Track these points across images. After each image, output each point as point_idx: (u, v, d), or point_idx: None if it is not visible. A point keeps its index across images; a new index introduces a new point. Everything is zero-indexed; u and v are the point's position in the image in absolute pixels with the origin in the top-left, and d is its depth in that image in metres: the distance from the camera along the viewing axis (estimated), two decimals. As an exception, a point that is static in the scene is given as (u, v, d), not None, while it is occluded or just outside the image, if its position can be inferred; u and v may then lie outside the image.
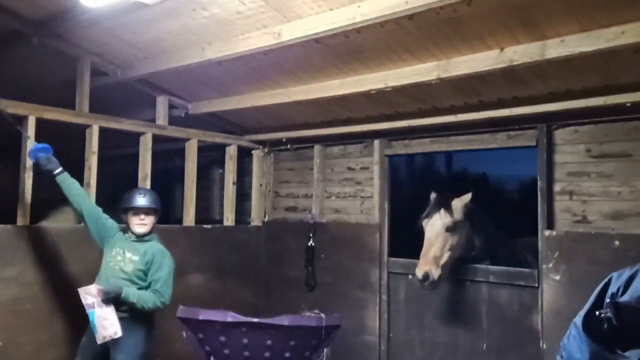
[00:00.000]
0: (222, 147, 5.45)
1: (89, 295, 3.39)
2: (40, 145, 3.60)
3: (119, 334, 3.35)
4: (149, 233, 3.71)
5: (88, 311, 3.39)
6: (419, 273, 3.79)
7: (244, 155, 5.65)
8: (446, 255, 3.88)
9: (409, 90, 3.79)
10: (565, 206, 3.80)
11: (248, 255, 5.37)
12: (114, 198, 5.53)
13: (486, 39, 3.11)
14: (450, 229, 3.89)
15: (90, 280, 4.13)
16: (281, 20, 3.29)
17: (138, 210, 3.64)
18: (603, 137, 3.66)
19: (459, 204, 3.98)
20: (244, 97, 4.63)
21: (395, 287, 4.65)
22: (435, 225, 3.91)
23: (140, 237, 3.67)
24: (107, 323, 3.36)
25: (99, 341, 3.37)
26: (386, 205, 4.78)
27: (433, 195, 4.11)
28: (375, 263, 4.70)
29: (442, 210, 3.94)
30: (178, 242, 4.74)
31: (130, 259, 3.58)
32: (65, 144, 5.56)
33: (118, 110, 4.70)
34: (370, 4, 2.90)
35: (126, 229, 3.72)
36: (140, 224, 3.64)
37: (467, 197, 4.01)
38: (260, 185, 5.65)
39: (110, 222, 3.74)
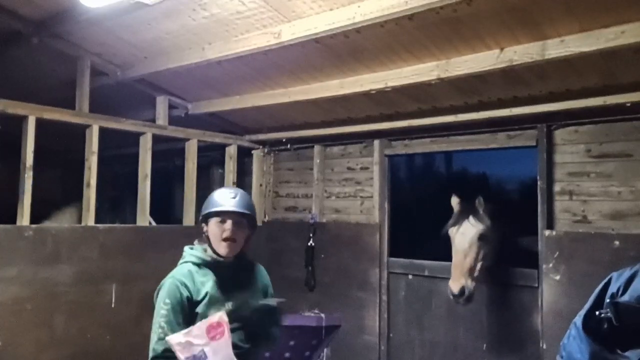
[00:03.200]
0: (222, 147, 5.44)
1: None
2: None
3: None
4: (242, 255, 2.60)
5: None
6: (455, 288, 3.58)
7: (244, 155, 5.65)
8: (479, 266, 3.68)
9: (409, 90, 3.79)
10: (565, 206, 3.80)
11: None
12: (115, 199, 5.55)
13: (486, 39, 3.11)
14: (483, 237, 3.70)
15: (90, 280, 4.14)
16: (281, 20, 3.29)
17: (224, 217, 2.49)
18: (603, 137, 3.66)
19: (481, 208, 3.77)
20: (244, 97, 4.63)
21: (395, 287, 4.65)
22: (466, 234, 3.70)
23: (238, 260, 2.58)
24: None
25: None
26: (386, 205, 4.78)
27: (456, 200, 3.90)
28: (375, 263, 4.70)
29: (471, 217, 3.73)
30: (178, 242, 4.71)
31: (249, 295, 2.59)
32: (65, 144, 5.60)
33: (118, 110, 4.70)
34: (370, 4, 2.90)
35: (205, 263, 2.50)
36: (228, 239, 2.45)
37: (480, 200, 3.79)
38: (260, 185, 5.65)
39: (184, 293, 2.40)
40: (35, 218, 4.04)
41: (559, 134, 3.86)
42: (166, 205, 6.65)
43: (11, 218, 3.93)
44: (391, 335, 4.64)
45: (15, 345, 3.73)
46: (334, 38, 3.30)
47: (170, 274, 2.46)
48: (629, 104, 3.33)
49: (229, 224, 2.47)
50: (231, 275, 2.53)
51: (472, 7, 2.76)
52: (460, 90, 3.73)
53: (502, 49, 3.15)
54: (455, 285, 3.61)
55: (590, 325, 1.83)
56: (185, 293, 2.38)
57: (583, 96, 3.45)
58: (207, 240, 2.53)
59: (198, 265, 2.50)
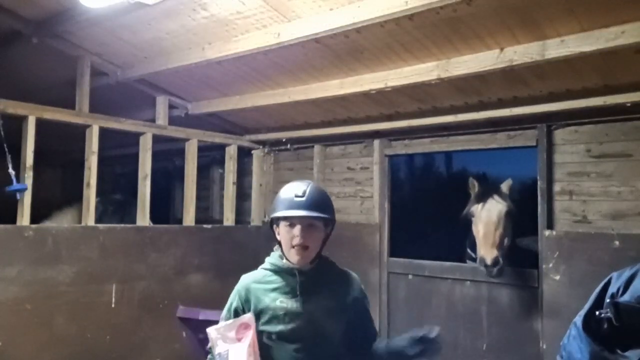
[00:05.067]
0: (222, 147, 5.45)
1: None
2: (18, 185, 3.80)
3: None
4: (318, 259, 2.24)
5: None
6: (489, 257, 3.63)
7: (244, 155, 5.65)
8: (506, 242, 3.75)
9: (409, 90, 3.79)
10: (565, 206, 3.80)
11: (248, 255, 5.35)
12: (120, 202, 5.53)
13: (486, 39, 3.11)
14: (509, 214, 3.78)
15: (90, 280, 4.14)
16: (281, 20, 3.29)
17: (292, 220, 2.15)
18: (603, 137, 3.66)
19: (506, 189, 3.90)
20: (244, 97, 4.63)
21: (395, 287, 4.65)
22: (493, 210, 3.80)
23: (319, 267, 2.23)
24: None
25: None
26: (386, 205, 4.78)
27: (474, 182, 4.01)
28: (375, 263, 4.70)
29: (495, 196, 3.83)
30: (178, 242, 4.75)
31: (326, 307, 2.16)
32: (65, 144, 5.60)
33: (118, 110, 4.70)
34: (370, 4, 2.90)
35: (278, 270, 2.23)
36: (298, 246, 2.12)
37: (509, 182, 3.93)
38: (260, 185, 5.65)
39: (235, 303, 2.22)
40: (35, 218, 4.05)
41: (559, 134, 3.86)
42: (166, 205, 6.66)
43: (11, 218, 3.93)
44: (391, 335, 4.64)
45: (15, 345, 3.74)
46: (334, 38, 3.30)
47: (243, 276, 2.29)
48: (629, 104, 3.33)
49: (297, 229, 2.12)
50: (308, 285, 2.16)
51: (472, 7, 2.76)
52: (460, 90, 3.73)
53: (502, 49, 3.15)
54: (488, 255, 3.65)
55: (590, 325, 1.83)
56: (237, 303, 2.19)
57: (583, 96, 3.45)
58: (279, 246, 2.23)
59: (272, 271, 2.23)
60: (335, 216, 2.28)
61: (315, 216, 2.14)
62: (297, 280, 2.16)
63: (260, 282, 2.20)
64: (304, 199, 2.15)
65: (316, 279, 2.19)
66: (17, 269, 3.78)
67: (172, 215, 6.57)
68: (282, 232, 2.18)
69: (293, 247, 2.14)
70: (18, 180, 3.88)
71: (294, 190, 2.18)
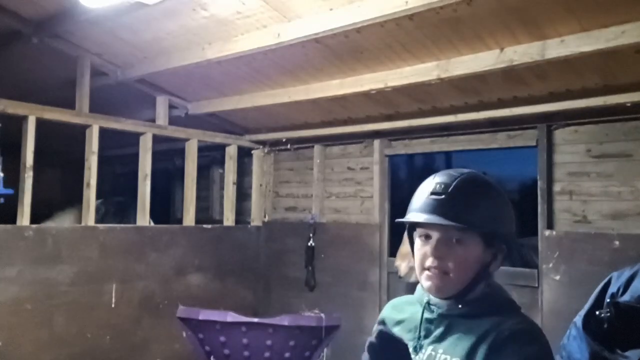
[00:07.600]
0: (222, 147, 5.45)
1: None
2: (3, 190, 3.76)
3: None
4: (469, 293, 1.49)
5: None
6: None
7: (244, 155, 5.65)
8: None
9: (409, 90, 3.79)
10: (565, 206, 3.80)
11: (248, 255, 5.37)
12: (121, 204, 5.54)
13: (486, 39, 3.11)
14: None
15: (90, 280, 4.14)
16: (281, 20, 3.29)
17: (426, 228, 1.49)
18: (603, 137, 3.66)
19: None
20: (244, 97, 4.63)
21: (395, 287, 4.64)
22: None
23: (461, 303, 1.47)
24: None
25: None
26: (386, 205, 4.78)
27: None
28: (375, 263, 4.70)
29: None
30: (178, 242, 4.75)
31: None
32: (65, 144, 5.60)
33: (118, 110, 4.70)
34: (370, 4, 2.90)
35: (418, 297, 1.61)
36: (433, 269, 1.45)
37: None
38: (260, 185, 5.65)
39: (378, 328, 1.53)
40: (35, 218, 4.04)
41: (559, 134, 3.86)
42: (166, 205, 6.66)
43: (11, 218, 3.93)
44: (391, 335, 4.64)
45: (15, 345, 3.74)
46: (334, 38, 3.30)
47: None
48: (629, 104, 3.32)
49: (432, 243, 1.46)
50: (437, 327, 1.49)
51: (472, 7, 2.76)
52: (460, 90, 3.73)
53: (502, 49, 3.15)
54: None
55: (590, 325, 1.83)
56: (381, 327, 1.54)
57: (583, 96, 3.44)
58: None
59: (415, 297, 1.61)
60: (501, 225, 1.51)
61: (448, 225, 1.43)
62: (421, 317, 1.52)
63: (395, 309, 1.64)
64: (442, 197, 1.45)
65: (451, 324, 1.46)
66: (17, 269, 3.78)
67: (172, 215, 6.57)
68: (416, 244, 1.54)
69: (425, 269, 1.47)
70: (7, 184, 3.89)
71: (434, 182, 1.50)
